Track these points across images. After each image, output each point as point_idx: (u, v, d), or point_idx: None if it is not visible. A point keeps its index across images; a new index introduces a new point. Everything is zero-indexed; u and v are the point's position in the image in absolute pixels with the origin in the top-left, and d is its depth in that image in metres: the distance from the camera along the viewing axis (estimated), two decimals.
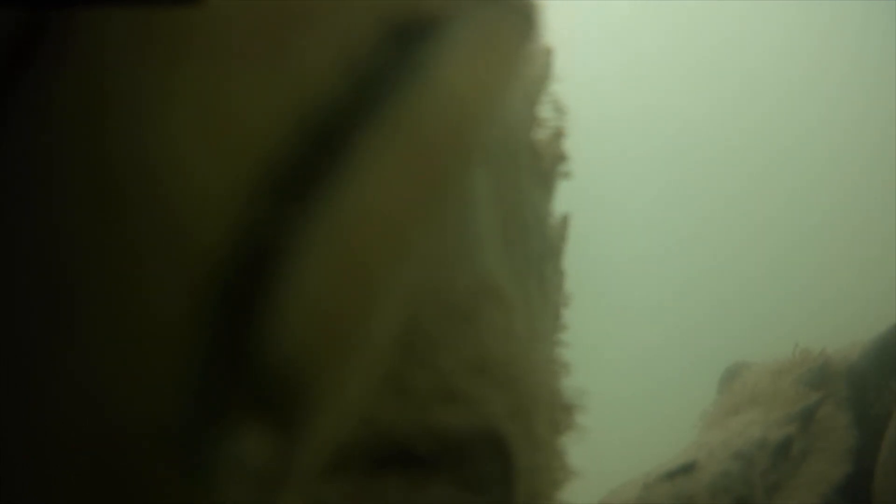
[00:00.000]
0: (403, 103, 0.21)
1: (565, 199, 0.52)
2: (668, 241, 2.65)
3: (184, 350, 0.21)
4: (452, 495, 0.35)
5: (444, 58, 0.22)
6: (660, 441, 1.64)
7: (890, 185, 2.51)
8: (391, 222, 0.21)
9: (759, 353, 1.70)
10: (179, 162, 0.20)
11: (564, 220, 0.54)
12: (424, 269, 0.24)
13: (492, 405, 0.37)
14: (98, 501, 0.21)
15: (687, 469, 1.30)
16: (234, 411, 0.20)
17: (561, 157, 0.50)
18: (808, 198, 2.72)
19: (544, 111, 0.48)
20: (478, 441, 0.37)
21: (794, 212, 2.72)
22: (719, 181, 2.72)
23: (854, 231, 2.54)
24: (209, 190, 0.20)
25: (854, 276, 2.53)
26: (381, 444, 0.32)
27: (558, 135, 0.49)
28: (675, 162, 2.65)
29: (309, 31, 0.21)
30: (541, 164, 0.48)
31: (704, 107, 2.63)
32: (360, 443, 0.30)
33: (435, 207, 0.22)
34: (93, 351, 0.20)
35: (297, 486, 0.22)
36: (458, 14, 0.23)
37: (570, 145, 0.50)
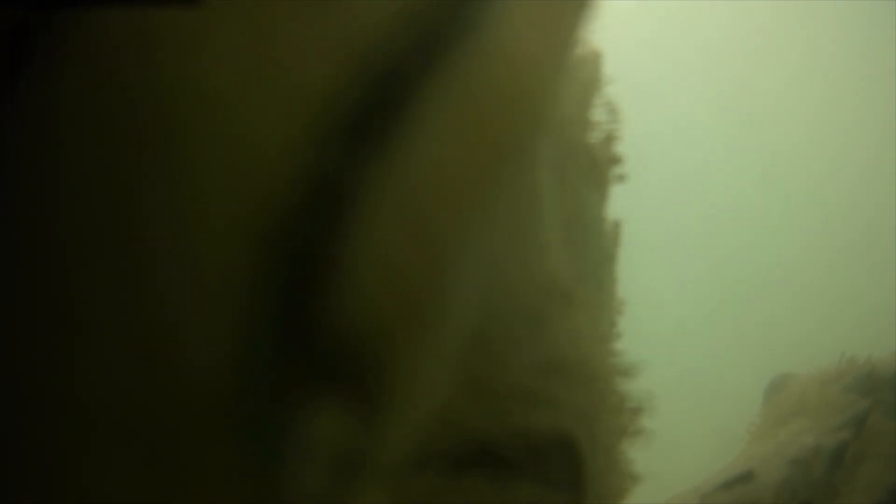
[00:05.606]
0: (463, 57, 0.21)
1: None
2: (708, 253, 2.63)
3: (248, 309, 0.18)
4: (533, 493, 0.35)
5: (502, 15, 0.22)
6: (705, 452, 1.63)
7: None
8: (459, 174, 0.20)
9: (802, 364, 1.68)
10: (236, 106, 0.19)
11: (617, 226, 0.53)
12: (496, 264, 0.24)
13: (565, 407, 0.37)
14: (153, 483, 0.19)
15: (744, 478, 1.29)
16: (305, 384, 0.19)
17: (615, 160, 0.50)
18: (852, 208, 2.69)
19: (597, 114, 0.48)
20: (553, 443, 0.36)
21: (837, 223, 2.69)
22: (763, 189, 2.70)
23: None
24: (269, 134, 0.19)
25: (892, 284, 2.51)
26: (467, 445, 0.31)
27: (611, 137, 0.49)
28: (714, 169, 2.63)
29: None
30: (596, 167, 0.48)
31: (743, 113, 2.62)
32: (447, 443, 0.30)
33: (500, 166, 0.21)
34: (148, 307, 0.18)
35: (379, 480, 0.21)
36: None
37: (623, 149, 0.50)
